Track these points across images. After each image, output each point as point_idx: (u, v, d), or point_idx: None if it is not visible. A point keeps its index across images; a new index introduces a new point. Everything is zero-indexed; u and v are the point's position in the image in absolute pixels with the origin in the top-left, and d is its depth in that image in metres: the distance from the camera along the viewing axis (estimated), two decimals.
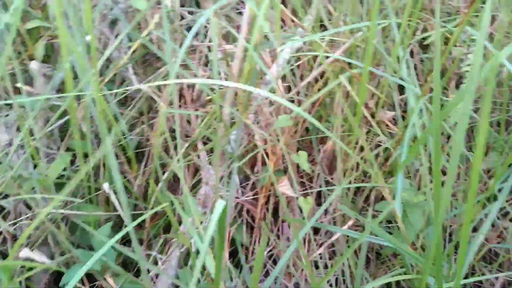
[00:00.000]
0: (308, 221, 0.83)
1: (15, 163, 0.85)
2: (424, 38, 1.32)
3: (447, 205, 0.88)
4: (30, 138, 0.84)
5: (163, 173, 0.97)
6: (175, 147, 1.05)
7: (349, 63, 1.01)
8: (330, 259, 1.02)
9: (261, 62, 0.81)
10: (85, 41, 0.77)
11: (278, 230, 1.04)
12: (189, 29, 1.19)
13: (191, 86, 1.11)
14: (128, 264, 0.99)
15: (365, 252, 0.70)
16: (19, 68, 0.75)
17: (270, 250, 1.02)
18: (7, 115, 0.92)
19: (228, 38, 1.17)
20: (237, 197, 1.01)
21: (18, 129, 0.90)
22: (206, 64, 1.16)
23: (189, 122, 1.11)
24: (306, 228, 0.71)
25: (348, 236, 1.00)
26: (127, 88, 1.08)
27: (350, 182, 0.91)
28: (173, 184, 1.11)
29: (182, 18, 1.11)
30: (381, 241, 0.70)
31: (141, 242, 1.00)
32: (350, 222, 0.87)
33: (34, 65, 0.85)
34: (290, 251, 0.78)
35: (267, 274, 1.00)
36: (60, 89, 0.95)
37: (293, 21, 1.00)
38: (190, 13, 1.11)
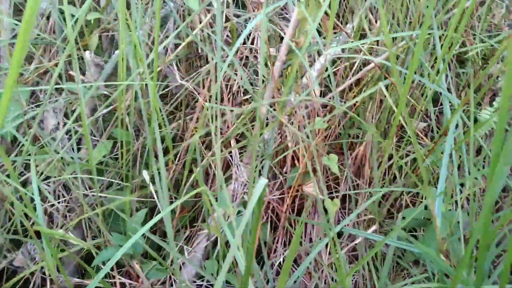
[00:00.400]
0: (332, 222, 0.84)
1: (60, 147, 0.90)
2: (461, 53, 1.32)
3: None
4: (76, 124, 0.89)
5: (192, 169, 1.01)
6: (205, 147, 1.09)
7: (387, 72, 1.02)
8: (350, 263, 1.03)
9: (307, 64, 0.84)
10: (138, 35, 0.82)
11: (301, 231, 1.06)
12: (231, 31, 1.24)
13: (229, 86, 1.15)
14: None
15: (391, 256, 0.71)
16: (76, 57, 0.80)
17: None
18: (56, 100, 0.98)
19: (269, 41, 1.20)
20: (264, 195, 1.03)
21: (66, 115, 0.96)
22: (245, 65, 1.20)
23: (223, 120, 1.15)
24: (332, 232, 0.73)
25: (369, 241, 1.01)
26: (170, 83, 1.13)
27: (382, 187, 0.92)
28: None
29: (227, 19, 1.16)
30: (406, 246, 0.71)
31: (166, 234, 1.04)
32: (373, 227, 0.88)
33: (87, 55, 0.91)
34: (313, 254, 0.79)
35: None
36: (107, 80, 1.01)
37: (336, 26, 1.03)
38: (236, 15, 1.15)
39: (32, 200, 0.78)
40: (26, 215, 0.86)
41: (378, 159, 1.00)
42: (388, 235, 0.66)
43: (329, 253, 0.96)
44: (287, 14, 1.35)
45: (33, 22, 0.42)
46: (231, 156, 1.08)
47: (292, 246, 0.57)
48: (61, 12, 1.08)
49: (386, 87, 1.08)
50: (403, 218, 0.83)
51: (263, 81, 1.17)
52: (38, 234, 0.85)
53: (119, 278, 0.79)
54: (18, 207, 0.60)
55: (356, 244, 0.94)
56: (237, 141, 1.11)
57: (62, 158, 0.85)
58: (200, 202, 1.04)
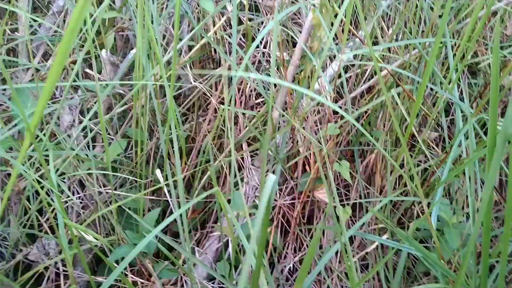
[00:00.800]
0: (344, 228, 0.84)
1: (75, 144, 0.91)
2: (473, 63, 1.33)
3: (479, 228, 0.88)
4: (91, 121, 0.90)
5: (203, 171, 1.02)
6: (217, 149, 1.09)
7: (399, 79, 1.03)
8: (360, 272, 1.03)
9: (320, 69, 0.84)
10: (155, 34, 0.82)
11: (311, 236, 1.06)
12: (244, 35, 1.25)
13: (241, 90, 1.16)
14: (162, 254, 1.03)
15: (403, 262, 0.71)
16: (93, 55, 0.81)
17: (302, 256, 1.04)
18: (71, 98, 0.98)
19: (282, 46, 1.21)
20: (275, 200, 1.04)
21: (81, 112, 0.97)
22: (257, 69, 1.21)
23: (235, 123, 1.15)
24: (346, 236, 0.73)
25: (380, 250, 1.01)
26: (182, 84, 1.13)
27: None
28: (213, 186, 1.14)
29: (240, 22, 1.16)
30: (416, 251, 0.71)
31: (177, 235, 1.05)
32: (385, 236, 0.88)
33: (104, 54, 0.91)
34: (325, 260, 0.79)
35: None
36: (122, 79, 1.01)
37: (350, 32, 1.03)
38: (249, 19, 1.15)
39: (48, 195, 0.79)
40: (41, 210, 0.87)
41: (389, 168, 1.00)
42: (393, 250, 0.66)
43: (339, 262, 0.96)
44: (299, 19, 1.36)
45: (84, 15, 0.42)
46: (242, 159, 1.09)
47: (307, 259, 0.57)
48: None
49: (398, 95, 1.09)
50: (417, 229, 0.83)
51: (275, 85, 1.17)
52: (52, 229, 0.86)
53: (131, 277, 0.79)
54: (42, 196, 0.61)
55: (366, 253, 0.94)
56: (249, 145, 1.11)
57: (77, 154, 0.86)
58: (211, 205, 1.04)
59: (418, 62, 1.14)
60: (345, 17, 0.85)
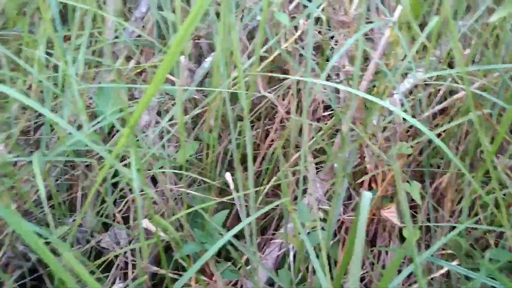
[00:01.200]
0: (415, 250, 0.81)
1: (152, 143, 0.95)
2: None
3: None
4: (168, 123, 0.94)
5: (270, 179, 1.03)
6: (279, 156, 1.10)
7: (480, 103, 0.99)
8: None
9: (396, 83, 0.83)
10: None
11: (374, 256, 1.03)
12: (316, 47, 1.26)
13: (311, 101, 1.16)
14: (222, 254, 1.05)
15: None
16: (175, 61, 0.85)
17: (363, 274, 1.01)
18: None
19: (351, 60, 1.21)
20: (339, 215, 1.02)
21: (158, 113, 1.01)
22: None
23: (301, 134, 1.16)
24: (419, 260, 0.70)
25: (445, 278, 0.96)
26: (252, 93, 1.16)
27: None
28: (275, 193, 1.15)
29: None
30: (498, 284, 0.67)
31: (238, 238, 1.06)
32: (455, 262, 0.84)
33: (182, 60, 0.96)
34: (396, 283, 0.75)
35: None
36: (198, 85, 1.06)
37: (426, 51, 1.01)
38: (320, 33, 1.16)
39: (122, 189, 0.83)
40: (115, 201, 0.91)
41: (463, 192, 0.96)
42: (472, 282, 0.63)
43: (402, 284, 0.93)
44: (371, 34, 1.35)
45: (191, 29, 0.45)
46: (306, 170, 1.08)
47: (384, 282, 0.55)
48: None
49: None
50: (490, 259, 0.79)
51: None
52: (124, 220, 0.90)
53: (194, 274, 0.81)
54: (134, 191, 0.64)
55: (431, 278, 0.90)
56: (314, 157, 1.11)
57: (153, 154, 0.90)
58: (273, 213, 1.04)
59: (498, 86, 1.09)
60: (428, 40, 0.83)
